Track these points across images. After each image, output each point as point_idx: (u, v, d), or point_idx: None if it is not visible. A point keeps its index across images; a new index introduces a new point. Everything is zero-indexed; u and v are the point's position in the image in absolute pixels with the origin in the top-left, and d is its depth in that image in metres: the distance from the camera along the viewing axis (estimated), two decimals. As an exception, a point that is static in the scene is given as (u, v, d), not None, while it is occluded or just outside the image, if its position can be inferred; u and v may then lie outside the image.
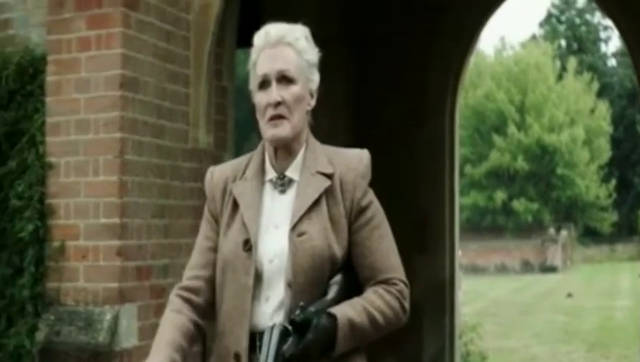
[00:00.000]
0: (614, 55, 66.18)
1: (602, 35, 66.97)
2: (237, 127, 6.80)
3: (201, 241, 3.03)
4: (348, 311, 2.78)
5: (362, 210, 2.90)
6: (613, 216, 54.11)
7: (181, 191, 5.90)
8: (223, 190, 3.00)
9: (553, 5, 68.46)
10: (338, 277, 2.84)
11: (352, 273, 2.88)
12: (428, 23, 10.32)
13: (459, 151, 11.49)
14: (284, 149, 2.93)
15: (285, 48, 2.89)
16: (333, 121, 9.44)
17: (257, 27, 2.97)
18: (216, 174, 3.06)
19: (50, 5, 5.65)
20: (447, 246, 10.66)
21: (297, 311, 2.72)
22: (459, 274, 11.68)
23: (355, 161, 2.94)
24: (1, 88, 5.93)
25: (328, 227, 2.84)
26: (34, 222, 5.55)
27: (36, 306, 5.54)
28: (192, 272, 3.00)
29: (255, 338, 2.80)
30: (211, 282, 2.95)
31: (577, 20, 66.94)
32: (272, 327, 2.71)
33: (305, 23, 2.99)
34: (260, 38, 2.93)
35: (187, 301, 2.95)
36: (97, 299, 5.39)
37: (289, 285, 2.80)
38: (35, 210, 5.57)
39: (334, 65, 9.32)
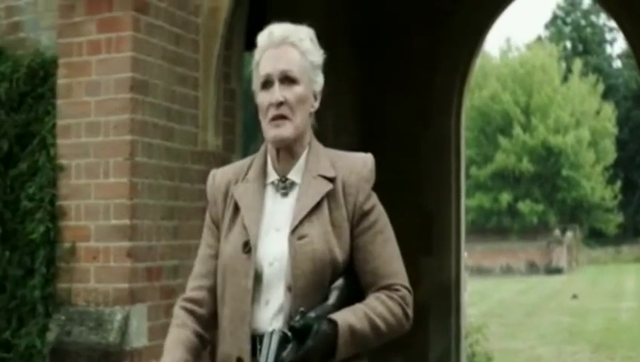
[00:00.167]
0: (620, 57, 66.14)
1: (607, 36, 66.96)
2: (243, 128, 6.84)
3: (203, 250, 3.01)
4: (349, 317, 2.73)
5: (365, 214, 2.86)
6: (618, 218, 54.00)
7: (190, 193, 5.94)
8: (225, 193, 2.97)
9: (559, 7, 68.48)
10: (339, 282, 2.79)
11: (353, 278, 2.84)
12: (434, 24, 10.33)
13: (464, 153, 11.50)
14: (287, 151, 2.89)
15: (289, 48, 2.86)
16: (339, 121, 9.47)
17: (263, 28, 2.95)
18: (218, 177, 3.02)
19: (61, 9, 5.70)
20: (452, 247, 10.67)
21: (297, 317, 2.68)
22: (464, 276, 11.69)
23: (359, 164, 2.90)
24: (11, 91, 5.98)
25: (329, 230, 2.80)
26: (45, 224, 5.60)
27: (47, 307, 5.60)
28: (195, 283, 2.98)
29: (256, 342, 2.76)
30: (214, 291, 2.93)
31: (583, 22, 66.86)
32: (272, 333, 2.67)
33: (311, 24, 2.97)
34: (263, 37, 2.90)
35: (191, 312, 2.94)
36: (108, 299, 5.44)
37: (289, 289, 2.76)
38: (46, 212, 5.62)
39: (340, 66, 9.37)
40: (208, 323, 2.95)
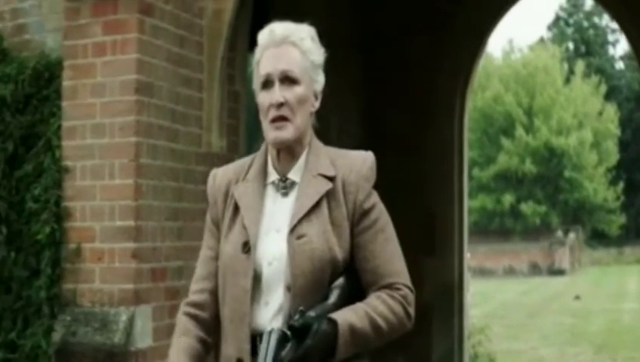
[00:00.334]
0: (622, 58, 66.18)
1: (610, 37, 66.97)
2: (247, 130, 6.87)
3: (204, 252, 2.98)
4: (349, 316, 2.70)
5: (365, 213, 2.82)
6: (621, 219, 54.02)
7: (194, 194, 5.96)
8: (225, 193, 2.94)
9: (561, 8, 68.53)
10: (340, 281, 2.75)
11: (354, 277, 2.80)
12: (437, 25, 10.34)
13: (467, 154, 11.51)
14: (287, 152, 2.87)
15: (290, 48, 2.83)
16: (342, 123, 9.49)
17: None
18: (219, 177, 3.00)
19: (67, 11, 5.73)
20: (455, 248, 10.69)
21: (297, 316, 2.65)
22: (467, 277, 11.71)
23: (359, 162, 2.87)
24: (17, 92, 6.00)
25: (329, 230, 2.77)
26: (50, 225, 5.62)
27: (52, 307, 5.62)
28: (197, 286, 2.95)
29: (256, 342, 2.72)
30: (215, 293, 2.90)
31: (585, 23, 66.90)
32: (270, 332, 2.63)
33: (314, 24, 2.93)
34: (264, 36, 2.87)
35: (193, 318, 2.92)
36: (113, 300, 5.47)
37: (288, 289, 2.73)
38: (52, 213, 5.65)
39: (343, 68, 9.39)
40: (211, 326, 2.93)
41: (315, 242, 2.74)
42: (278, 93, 2.79)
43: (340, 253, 2.77)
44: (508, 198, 51.07)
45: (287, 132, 2.81)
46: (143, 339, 5.46)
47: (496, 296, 30.07)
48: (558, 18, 68.17)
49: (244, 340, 2.76)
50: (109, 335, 5.38)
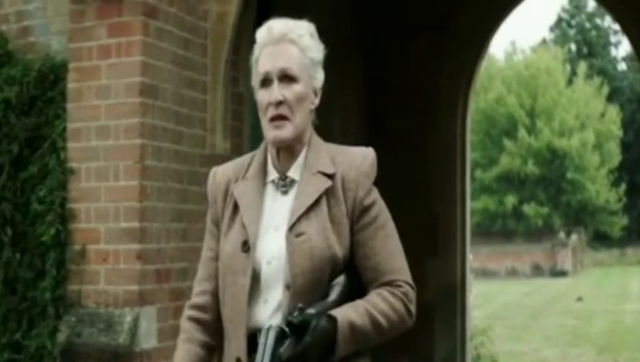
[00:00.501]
0: (624, 59, 66.11)
1: (612, 39, 66.93)
2: (251, 131, 6.88)
3: (205, 253, 2.97)
4: (349, 313, 2.67)
5: (365, 210, 2.79)
6: (623, 220, 53.99)
7: (199, 196, 5.97)
8: (225, 191, 2.93)
9: (563, 10, 68.51)
10: (340, 279, 2.73)
11: (355, 275, 2.78)
12: (440, 27, 10.35)
13: (470, 155, 11.52)
14: (287, 150, 2.85)
15: (288, 45, 2.81)
16: (345, 124, 9.51)
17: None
18: (219, 176, 2.98)
19: (72, 14, 5.75)
20: (458, 249, 10.71)
21: (295, 313, 2.62)
22: (470, 278, 11.73)
23: (359, 159, 2.84)
24: (22, 94, 6.01)
25: (328, 227, 2.74)
26: (55, 226, 5.64)
27: (57, 308, 5.63)
28: (199, 287, 2.96)
29: (256, 340, 2.69)
30: (217, 294, 2.90)
31: (587, 25, 66.87)
32: (268, 329, 2.62)
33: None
34: (262, 33, 2.85)
35: (196, 321, 2.93)
36: (118, 301, 5.49)
37: (287, 287, 2.71)
38: (57, 215, 5.66)
39: (346, 69, 9.41)
40: (215, 327, 2.92)
41: (314, 240, 2.72)
42: (276, 91, 2.78)
43: (339, 251, 2.75)
44: (510, 200, 51.05)
45: (286, 131, 2.79)
46: (148, 340, 5.48)
47: (499, 297, 30.08)
48: (560, 20, 68.17)
49: (242, 339, 2.75)
50: (114, 336, 5.40)
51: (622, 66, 66.32)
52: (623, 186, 53.49)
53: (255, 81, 2.87)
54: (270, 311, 2.74)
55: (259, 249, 2.79)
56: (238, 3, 6.15)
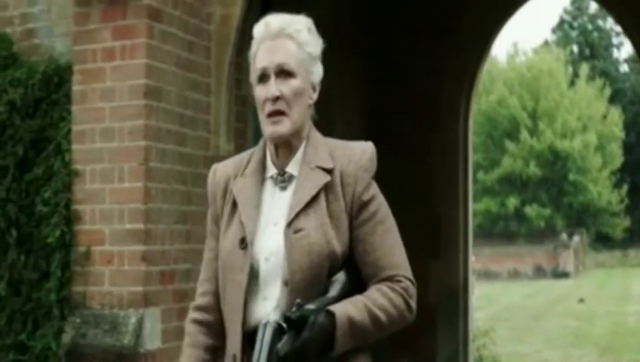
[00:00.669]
0: (626, 61, 66.11)
1: (614, 40, 66.89)
2: (254, 133, 6.92)
3: (206, 254, 2.96)
4: (348, 308, 2.64)
5: (364, 205, 2.76)
6: (625, 222, 53.97)
7: (203, 198, 5.91)
8: (224, 189, 2.90)
9: (565, 11, 68.47)
10: (340, 275, 2.70)
11: (354, 270, 2.75)
12: (442, 28, 10.35)
13: (472, 157, 11.53)
14: (285, 145, 2.82)
15: (286, 41, 2.79)
16: (347, 125, 9.52)
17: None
18: (219, 173, 2.95)
19: (77, 16, 5.78)
20: (460, 251, 10.70)
21: (294, 309, 2.59)
22: (472, 279, 11.73)
23: (358, 153, 2.83)
24: (27, 97, 6.05)
25: (327, 223, 2.72)
26: (60, 228, 5.68)
27: (62, 309, 5.68)
28: (202, 288, 2.95)
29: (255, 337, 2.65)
30: (218, 294, 2.88)
31: (589, 26, 66.86)
32: (265, 324, 2.58)
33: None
34: (260, 28, 2.84)
35: (200, 324, 2.92)
36: (122, 302, 5.52)
37: (285, 283, 2.69)
38: (62, 216, 5.70)
39: (348, 71, 9.43)
40: (219, 328, 2.89)
41: (312, 236, 2.70)
42: (273, 86, 2.76)
43: (338, 247, 2.72)
44: (512, 201, 51.03)
45: (284, 126, 2.77)
46: (152, 341, 5.51)
47: (501, 298, 30.06)
48: (562, 21, 68.14)
49: (238, 335, 2.75)
50: (119, 337, 5.43)
51: (624, 68, 66.35)
52: (625, 188, 53.46)
53: (253, 77, 2.86)
54: (269, 308, 2.72)
55: (257, 245, 2.77)
56: (242, 6, 6.18)
